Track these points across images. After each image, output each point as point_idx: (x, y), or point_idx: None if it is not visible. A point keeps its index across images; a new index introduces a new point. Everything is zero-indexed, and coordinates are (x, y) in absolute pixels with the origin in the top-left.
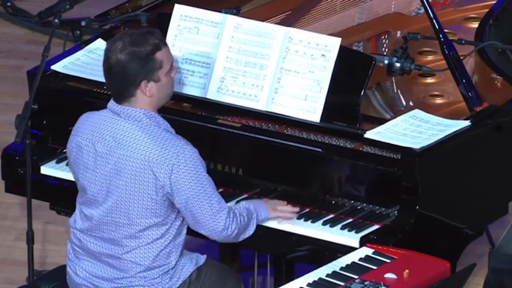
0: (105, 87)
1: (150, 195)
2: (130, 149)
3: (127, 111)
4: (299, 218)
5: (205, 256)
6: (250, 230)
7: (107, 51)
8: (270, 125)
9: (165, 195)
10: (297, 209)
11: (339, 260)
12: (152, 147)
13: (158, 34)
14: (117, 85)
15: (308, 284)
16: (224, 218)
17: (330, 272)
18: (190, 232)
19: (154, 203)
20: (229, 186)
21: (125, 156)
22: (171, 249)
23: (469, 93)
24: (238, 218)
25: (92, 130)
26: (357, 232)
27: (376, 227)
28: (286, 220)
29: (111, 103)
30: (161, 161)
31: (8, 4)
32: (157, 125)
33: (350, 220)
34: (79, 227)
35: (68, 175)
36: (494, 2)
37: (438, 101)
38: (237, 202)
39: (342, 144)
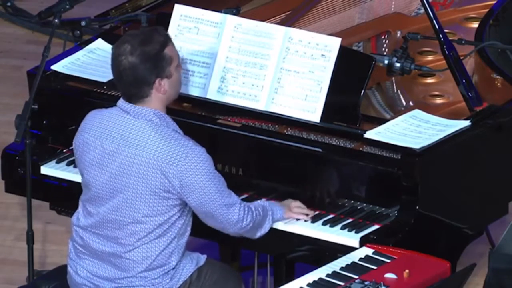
0: (105, 87)
1: (157, 193)
2: (138, 147)
3: (138, 110)
4: (299, 218)
5: (205, 256)
6: (266, 227)
7: (117, 56)
8: (270, 125)
9: (175, 194)
10: (312, 212)
11: (339, 260)
12: (161, 146)
13: (162, 31)
14: (131, 88)
15: (308, 284)
16: (237, 210)
17: (330, 272)
18: (191, 232)
19: (161, 202)
20: (229, 186)
21: (133, 154)
22: (173, 249)
23: (469, 93)
24: (253, 212)
25: (100, 127)
26: (357, 232)
27: (376, 227)
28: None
29: (121, 101)
30: (170, 161)
31: (8, 4)
32: (166, 126)
33: (350, 220)
34: (82, 224)
35: (68, 175)
36: (494, 2)
37: (438, 101)
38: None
39: (342, 144)
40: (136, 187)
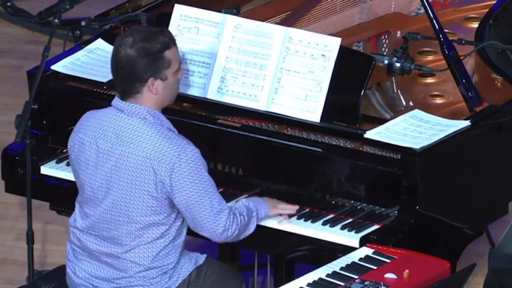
0: (105, 87)
1: (150, 192)
2: (131, 145)
3: (131, 108)
4: (299, 218)
5: (205, 255)
6: (250, 229)
7: (117, 46)
8: (270, 125)
9: (165, 193)
10: (296, 206)
11: (339, 260)
12: (154, 144)
13: (169, 33)
14: (124, 81)
15: (308, 284)
16: (224, 220)
17: (330, 272)
18: (190, 232)
19: (154, 201)
20: (229, 186)
21: (126, 152)
22: (170, 250)
23: (469, 93)
24: (238, 219)
25: (95, 126)
26: (357, 232)
27: (376, 227)
28: (286, 220)
29: (116, 100)
30: (162, 159)
31: (8, 4)
32: (160, 124)
33: (350, 220)
34: (79, 226)
35: (68, 175)
36: (494, 2)
37: (438, 101)
38: (237, 202)
39: (342, 144)
40: (129, 185)
